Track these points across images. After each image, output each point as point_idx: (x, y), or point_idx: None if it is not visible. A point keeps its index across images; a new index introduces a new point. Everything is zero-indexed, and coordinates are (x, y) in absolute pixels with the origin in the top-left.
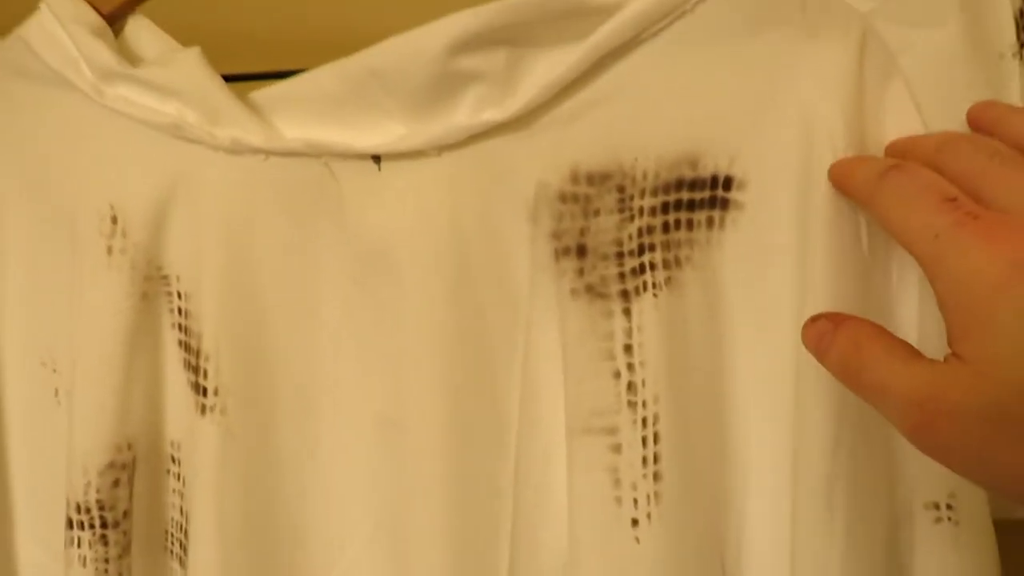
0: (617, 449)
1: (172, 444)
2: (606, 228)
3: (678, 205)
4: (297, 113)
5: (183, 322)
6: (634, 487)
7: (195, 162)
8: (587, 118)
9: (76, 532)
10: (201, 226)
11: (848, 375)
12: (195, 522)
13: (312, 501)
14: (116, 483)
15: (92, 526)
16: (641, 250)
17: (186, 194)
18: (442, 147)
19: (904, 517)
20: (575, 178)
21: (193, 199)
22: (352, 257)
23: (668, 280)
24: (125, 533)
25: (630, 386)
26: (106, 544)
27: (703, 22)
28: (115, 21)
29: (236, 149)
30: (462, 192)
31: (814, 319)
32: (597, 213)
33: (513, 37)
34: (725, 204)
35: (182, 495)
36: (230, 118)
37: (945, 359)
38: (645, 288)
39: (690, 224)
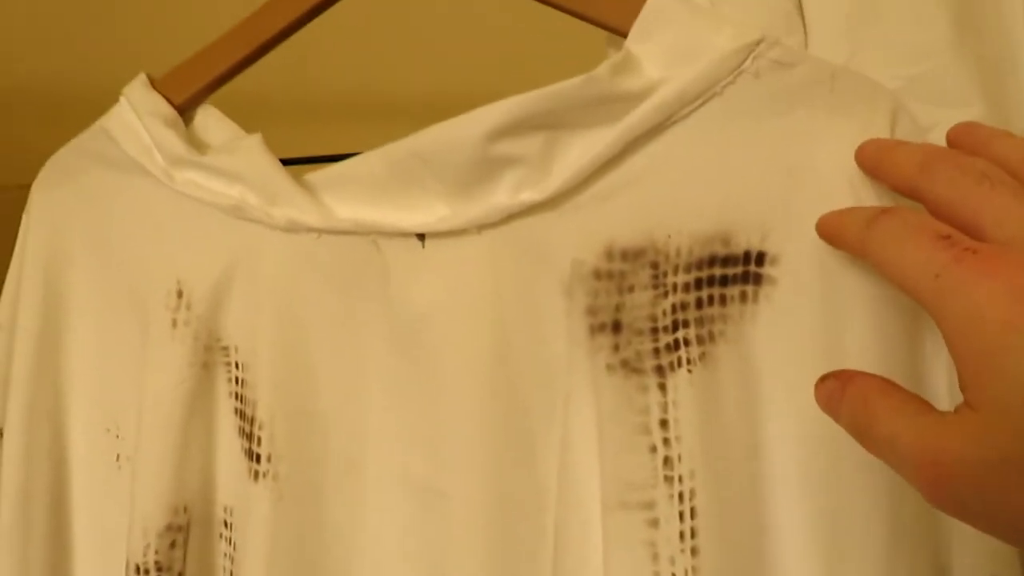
0: (654, 524)
1: (225, 509)
2: (641, 304)
3: (711, 281)
4: (348, 194)
5: (239, 391)
6: (672, 562)
7: (254, 240)
8: (621, 197)
9: None
10: (258, 299)
11: (858, 432)
12: None
13: (356, 567)
14: (173, 544)
15: None
16: (675, 326)
17: (246, 270)
18: (482, 226)
19: None
20: (610, 255)
21: (252, 274)
22: (396, 330)
23: (702, 355)
24: None
25: (666, 461)
26: None
27: (732, 103)
28: (186, 111)
29: (292, 228)
30: (501, 269)
31: (823, 379)
32: (632, 289)
33: (550, 122)
34: (758, 279)
35: (232, 559)
36: (287, 199)
37: (956, 409)
38: (680, 364)
39: (723, 299)
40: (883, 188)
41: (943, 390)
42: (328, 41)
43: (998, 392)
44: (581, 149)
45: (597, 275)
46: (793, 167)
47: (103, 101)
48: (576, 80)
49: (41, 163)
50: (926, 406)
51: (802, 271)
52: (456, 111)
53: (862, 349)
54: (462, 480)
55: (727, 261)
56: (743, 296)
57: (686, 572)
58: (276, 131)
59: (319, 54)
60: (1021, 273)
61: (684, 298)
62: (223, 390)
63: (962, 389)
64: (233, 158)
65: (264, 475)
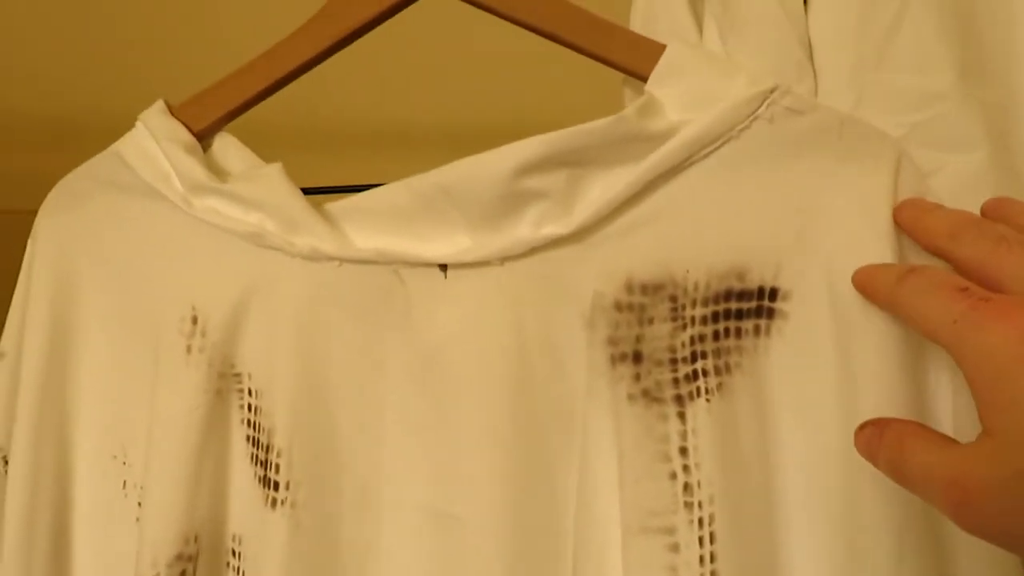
0: (675, 548)
1: (234, 538)
2: (660, 335)
3: (727, 314)
4: (369, 223)
5: (253, 418)
6: None
7: (273, 268)
8: (641, 233)
9: None
10: (275, 327)
11: (894, 471)
12: None
13: None
14: (183, 574)
15: None
16: (694, 357)
17: (263, 297)
18: (505, 258)
19: None
20: (630, 288)
21: (269, 301)
22: (416, 359)
23: (719, 386)
24: None
25: (686, 487)
26: None
27: (748, 146)
28: (203, 138)
29: (313, 256)
30: (522, 300)
31: (862, 427)
32: (651, 321)
33: (575, 159)
34: (771, 313)
35: None
36: (307, 228)
37: (977, 438)
38: (698, 393)
39: (739, 332)
40: (886, 234)
41: (947, 420)
42: (346, 72)
43: (1011, 418)
44: (604, 186)
45: (618, 307)
46: (804, 208)
47: (108, 127)
48: (607, 120)
49: (45, 189)
50: (952, 441)
51: (812, 306)
52: (473, 143)
53: (871, 381)
54: (480, 507)
55: (742, 296)
56: (757, 329)
57: None
58: (292, 163)
59: (337, 85)
60: None
61: (702, 330)
62: (235, 417)
63: (981, 419)
64: (254, 186)
65: (282, 502)
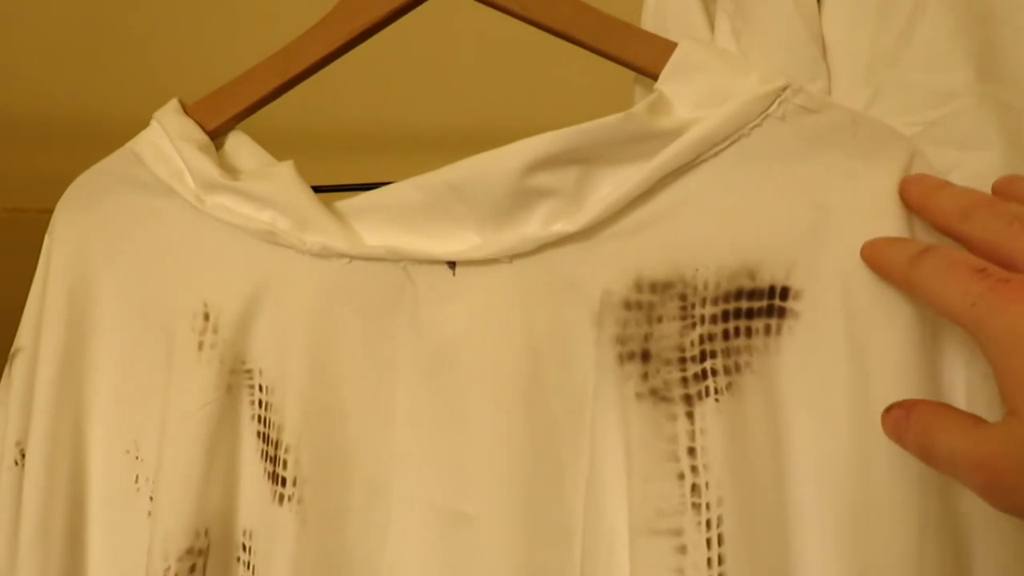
0: (682, 550)
1: (244, 532)
2: (669, 334)
3: (737, 313)
4: (379, 221)
5: (263, 414)
6: None
7: (284, 265)
8: (651, 231)
9: None
10: (286, 323)
11: (923, 453)
12: None
13: None
14: (192, 568)
15: None
16: (703, 356)
17: (273, 294)
18: (514, 255)
19: None
20: (639, 286)
21: (280, 298)
22: (425, 356)
23: (729, 385)
24: None
25: (694, 488)
26: None
27: (760, 144)
28: (216, 137)
29: (323, 253)
30: (531, 297)
31: (888, 409)
32: (660, 320)
33: (585, 156)
34: (782, 313)
35: None
36: (318, 226)
37: (1002, 418)
38: (707, 393)
39: (749, 331)
40: (900, 233)
41: (961, 402)
42: (356, 72)
43: None
44: (614, 184)
45: (627, 305)
46: (816, 207)
47: (121, 127)
48: (616, 117)
49: (61, 188)
50: (978, 420)
51: (824, 306)
52: (483, 142)
53: (884, 382)
54: (488, 505)
55: (753, 295)
56: (767, 329)
57: None
58: (304, 161)
59: (347, 84)
60: None
61: (711, 329)
62: (246, 413)
63: (1005, 401)
64: (265, 184)
65: (289, 498)
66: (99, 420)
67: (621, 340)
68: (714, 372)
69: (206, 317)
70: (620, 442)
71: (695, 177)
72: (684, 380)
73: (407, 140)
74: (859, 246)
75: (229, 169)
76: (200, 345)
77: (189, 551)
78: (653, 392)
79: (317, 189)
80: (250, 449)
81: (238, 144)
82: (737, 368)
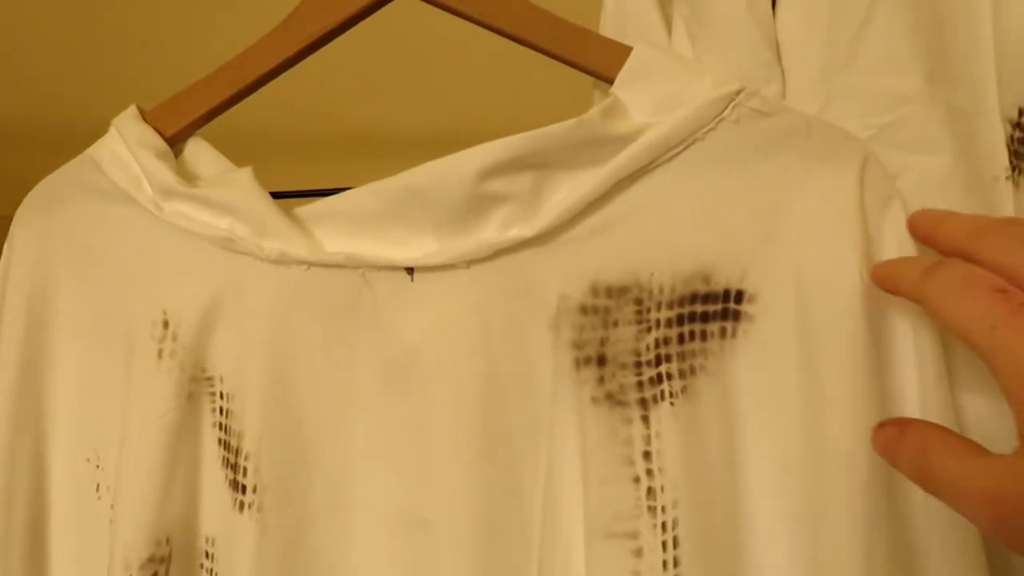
0: (638, 553)
1: (207, 540)
2: (624, 339)
3: (692, 317)
4: (338, 227)
5: (224, 421)
6: None
7: (243, 272)
8: (606, 235)
9: None
10: (246, 331)
11: (919, 476)
12: None
13: None
14: None
15: None
16: (658, 360)
17: (233, 301)
18: (471, 261)
19: None
20: (595, 291)
21: (239, 306)
22: (384, 362)
23: (684, 389)
24: None
25: (650, 491)
26: None
27: (714, 148)
28: (175, 143)
29: (282, 260)
30: (489, 303)
31: (881, 426)
32: (616, 324)
33: (540, 162)
34: (737, 316)
35: None
36: (277, 232)
37: (1015, 452)
38: (663, 397)
39: (704, 335)
40: (854, 235)
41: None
42: (319, 78)
43: None
44: (569, 188)
45: (583, 310)
46: (770, 210)
47: (86, 134)
48: (568, 123)
49: (21, 194)
50: (982, 449)
51: (778, 309)
52: (446, 148)
53: (836, 385)
54: (448, 511)
55: (708, 298)
56: (723, 332)
57: None
58: (265, 166)
59: (310, 91)
60: None
61: (667, 333)
62: (207, 420)
63: (1020, 434)
64: (223, 190)
65: (249, 506)
66: (60, 429)
67: (577, 345)
68: (669, 376)
69: (165, 325)
70: (577, 446)
71: (650, 181)
72: (640, 384)
73: (371, 144)
74: (813, 249)
75: (188, 176)
76: (160, 353)
77: (151, 559)
78: (609, 396)
79: (276, 195)
80: (211, 457)
81: (197, 150)
82: (692, 371)
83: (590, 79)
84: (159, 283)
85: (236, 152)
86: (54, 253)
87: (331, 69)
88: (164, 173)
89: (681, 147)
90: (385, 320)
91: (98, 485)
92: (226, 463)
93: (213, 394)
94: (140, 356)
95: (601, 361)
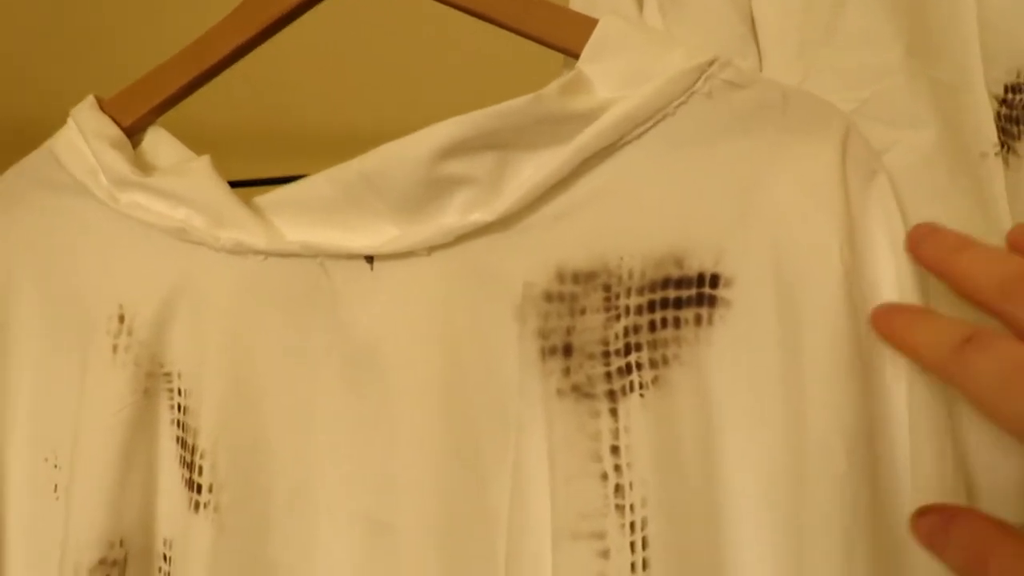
0: (605, 555)
1: (164, 542)
2: (592, 327)
3: (664, 303)
4: (296, 216)
5: (181, 418)
6: None
7: (199, 264)
8: (572, 218)
9: None
10: (203, 324)
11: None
12: None
13: None
14: None
15: None
16: (628, 349)
17: (190, 294)
18: (432, 247)
19: None
20: (561, 277)
21: (196, 299)
22: (344, 357)
23: (655, 379)
24: None
25: (617, 489)
26: None
27: (685, 124)
28: (134, 133)
29: (237, 250)
30: (451, 291)
31: (923, 513)
32: (583, 312)
33: (499, 141)
34: (712, 301)
35: None
36: (233, 221)
37: None
38: (632, 388)
39: (677, 322)
40: (836, 213)
41: (900, 418)
42: (283, 69)
43: None
44: (532, 169)
45: (548, 298)
46: (746, 187)
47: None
48: (524, 99)
49: None
50: None
51: (757, 293)
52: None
53: (819, 373)
54: (411, 512)
55: (681, 283)
56: (698, 319)
57: None
58: (229, 158)
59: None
60: None
61: (637, 321)
62: (165, 418)
63: None
64: (179, 180)
65: (205, 505)
66: (17, 427)
67: (543, 334)
68: (639, 366)
69: (121, 319)
70: (544, 442)
71: (617, 161)
72: (608, 375)
73: (332, 134)
74: (792, 229)
75: (146, 166)
76: (115, 348)
77: (102, 562)
78: (575, 388)
79: (234, 184)
80: (169, 456)
81: (156, 140)
82: (664, 361)
83: (564, 60)
84: (115, 277)
85: (197, 148)
86: (12, 252)
87: (291, 60)
88: (119, 163)
89: (650, 123)
90: (344, 312)
91: (56, 486)
92: (183, 462)
93: (171, 390)
94: (95, 352)
95: (567, 351)
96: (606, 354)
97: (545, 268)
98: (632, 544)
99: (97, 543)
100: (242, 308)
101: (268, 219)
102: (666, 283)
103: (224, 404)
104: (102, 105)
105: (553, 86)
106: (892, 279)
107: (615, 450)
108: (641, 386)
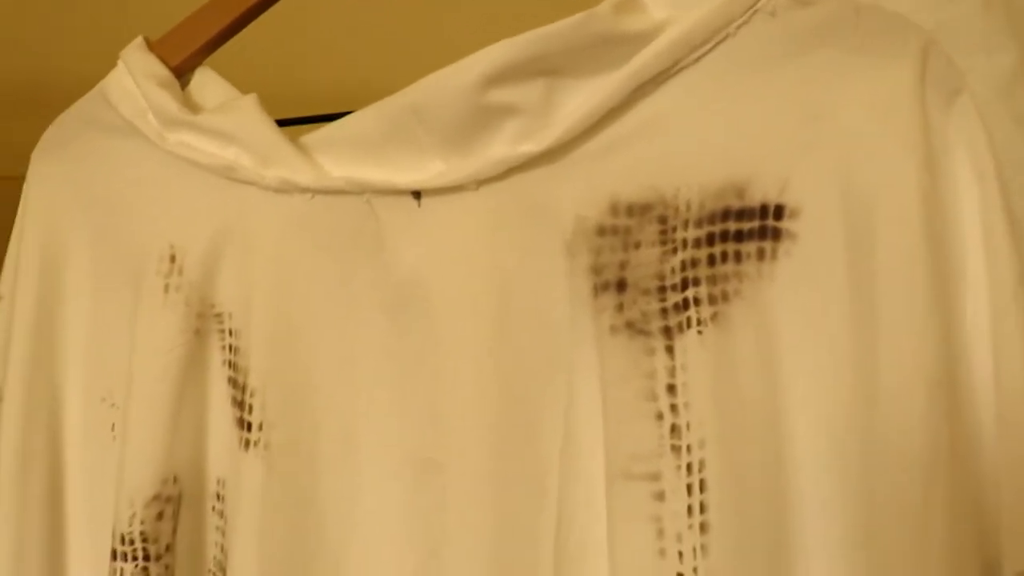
0: (660, 497)
1: (218, 481)
2: (647, 262)
3: (724, 236)
4: (342, 153)
5: (232, 359)
6: (679, 538)
7: (247, 203)
8: (626, 148)
9: (119, 563)
10: (251, 265)
11: None
12: (236, 560)
13: (351, 540)
14: (160, 516)
15: (135, 558)
16: (685, 284)
17: (238, 234)
18: (480, 181)
19: None
20: (614, 210)
21: (244, 238)
22: (391, 294)
23: (714, 316)
24: (167, 567)
25: (673, 429)
26: None
27: (746, 45)
28: (183, 73)
29: (283, 188)
30: (500, 227)
31: None
32: (637, 246)
33: (548, 68)
34: (777, 234)
35: (224, 533)
36: (280, 159)
37: None
38: (689, 325)
39: (738, 256)
40: (912, 137)
41: (984, 357)
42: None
43: None
44: (583, 97)
45: (601, 231)
46: (814, 113)
47: (79, 90)
48: (575, 18)
49: (10, 155)
50: None
51: (825, 225)
52: None
53: (893, 310)
54: (460, 451)
55: (742, 215)
56: (760, 253)
57: (694, 550)
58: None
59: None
60: None
61: (695, 254)
62: (216, 358)
63: None
64: (227, 117)
65: (255, 444)
66: (76, 368)
67: (595, 269)
68: (697, 301)
69: (172, 259)
70: (597, 381)
71: (674, 86)
72: (663, 311)
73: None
74: (864, 155)
75: (194, 106)
76: (166, 288)
77: (156, 498)
78: (629, 325)
79: (281, 123)
80: (220, 396)
81: (204, 80)
82: (724, 297)
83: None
84: (165, 217)
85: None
86: (65, 192)
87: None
88: (167, 102)
89: (709, 45)
90: (390, 249)
91: (113, 424)
92: (234, 401)
93: (222, 331)
94: (147, 291)
95: (621, 286)
96: (662, 289)
97: (597, 200)
98: (689, 487)
99: (151, 479)
100: (289, 248)
101: (314, 157)
102: (726, 215)
103: (272, 344)
104: (151, 46)
105: (605, 5)
106: (975, 208)
107: (671, 388)
108: (699, 322)
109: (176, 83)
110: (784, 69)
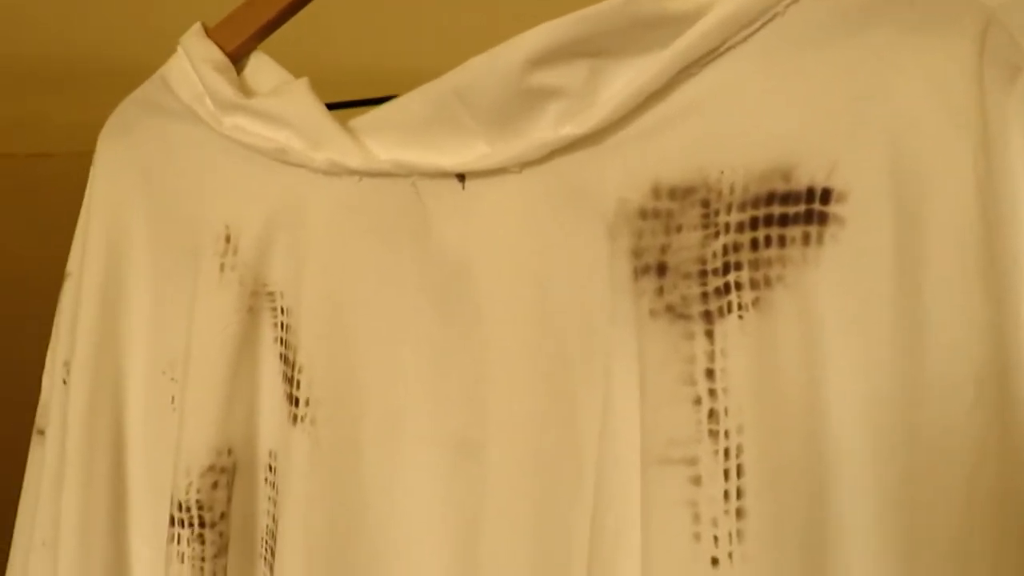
0: (697, 481)
1: (270, 454)
2: (689, 245)
3: (769, 220)
4: (390, 136)
5: (284, 336)
6: (714, 523)
7: (299, 185)
8: (669, 130)
9: (177, 529)
10: (301, 245)
11: None
12: (283, 530)
13: (394, 517)
14: (215, 485)
15: (191, 524)
16: (727, 268)
17: (290, 215)
18: (523, 164)
19: None
20: (656, 193)
21: (296, 220)
22: (435, 276)
23: (756, 301)
24: (221, 534)
25: (711, 414)
26: (203, 543)
27: (796, 24)
28: (239, 58)
29: (332, 171)
30: (543, 209)
31: None
32: (679, 229)
33: (592, 49)
34: (823, 219)
35: (275, 503)
36: (329, 142)
37: None
38: (730, 309)
39: (782, 241)
40: (969, 119)
41: None
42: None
43: None
44: (627, 78)
45: (643, 214)
46: (865, 93)
47: (109, 68)
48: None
49: (44, 132)
50: None
51: (874, 210)
52: None
53: (944, 300)
54: (500, 434)
55: (787, 198)
56: (806, 237)
57: (730, 536)
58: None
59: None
60: None
61: (737, 239)
62: (268, 336)
63: None
64: (278, 101)
65: (302, 419)
66: (138, 343)
67: (636, 252)
68: (739, 286)
69: (227, 239)
70: (636, 365)
71: (719, 68)
72: (704, 295)
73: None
74: (916, 136)
75: (248, 90)
76: (222, 267)
77: (211, 468)
78: (669, 308)
79: (331, 107)
80: (272, 372)
81: (258, 65)
82: (767, 282)
83: None
84: (221, 198)
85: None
86: (128, 174)
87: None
88: (223, 86)
89: (756, 24)
90: (435, 232)
91: (173, 397)
92: (285, 377)
93: (275, 309)
94: (204, 271)
95: (661, 270)
96: (703, 273)
97: (640, 183)
98: (726, 472)
99: (207, 449)
100: (338, 230)
101: (362, 140)
102: (771, 198)
103: (320, 323)
104: (208, 32)
105: None
106: None
107: (710, 374)
108: (740, 307)
109: (232, 68)
110: (835, 48)
